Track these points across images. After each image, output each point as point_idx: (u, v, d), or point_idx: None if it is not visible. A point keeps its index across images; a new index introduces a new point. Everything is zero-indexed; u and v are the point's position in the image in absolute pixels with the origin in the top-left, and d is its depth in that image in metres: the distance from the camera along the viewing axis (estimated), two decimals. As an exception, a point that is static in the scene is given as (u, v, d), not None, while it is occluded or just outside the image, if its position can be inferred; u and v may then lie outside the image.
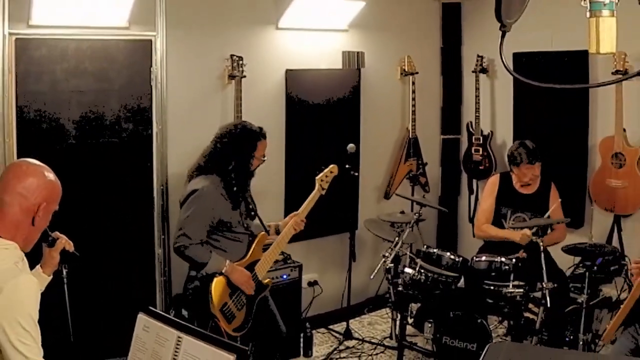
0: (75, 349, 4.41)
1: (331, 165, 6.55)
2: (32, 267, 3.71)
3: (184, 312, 6.15)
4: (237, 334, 6.01)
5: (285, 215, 6.96)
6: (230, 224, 6.08)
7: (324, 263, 9.03)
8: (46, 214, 3.58)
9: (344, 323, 8.50)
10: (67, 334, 4.27)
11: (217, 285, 5.87)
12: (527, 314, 6.80)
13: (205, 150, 6.27)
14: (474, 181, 9.69)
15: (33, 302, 3.29)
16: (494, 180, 7.93)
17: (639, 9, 2.45)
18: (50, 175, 3.60)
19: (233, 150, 6.06)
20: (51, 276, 4.02)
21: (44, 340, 3.34)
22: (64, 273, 4.11)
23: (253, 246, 6.27)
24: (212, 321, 5.85)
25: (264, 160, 6.34)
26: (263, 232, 6.38)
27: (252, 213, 6.94)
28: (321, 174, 6.48)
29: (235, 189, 6.08)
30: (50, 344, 3.37)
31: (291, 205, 6.93)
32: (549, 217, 7.22)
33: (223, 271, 5.90)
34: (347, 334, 8.35)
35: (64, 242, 4.01)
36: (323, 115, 8.78)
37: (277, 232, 6.55)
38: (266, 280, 6.41)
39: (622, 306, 5.24)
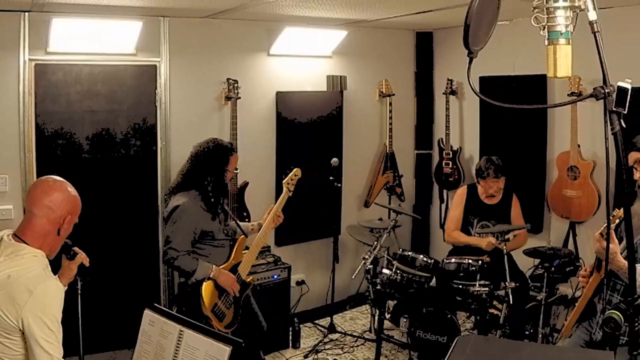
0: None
1: (295, 169, 6.52)
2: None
3: (184, 309, 6.17)
4: (228, 331, 5.99)
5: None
6: (212, 233, 6.06)
7: (311, 264, 9.05)
8: (69, 225, 3.66)
9: (328, 318, 8.51)
10: (77, 336, 4.33)
11: (206, 289, 5.87)
12: (492, 310, 6.83)
13: (183, 169, 6.23)
14: (444, 191, 9.70)
15: (58, 305, 3.37)
16: (462, 192, 7.97)
17: (592, 37, 2.51)
18: (73, 191, 3.68)
19: (208, 166, 6.04)
20: (66, 287, 4.00)
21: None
22: (79, 285, 4.17)
23: (234, 250, 6.25)
24: (204, 321, 5.78)
25: (236, 173, 6.44)
26: (242, 236, 6.34)
27: (246, 219, 7.02)
28: (287, 178, 6.46)
29: (212, 200, 6.07)
30: (65, 340, 3.42)
31: (282, 209, 6.94)
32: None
33: (211, 276, 5.90)
34: (331, 328, 8.35)
35: (83, 257, 4.08)
36: (310, 133, 8.81)
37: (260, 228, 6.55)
38: (249, 279, 6.41)
39: (577, 304, 5.30)
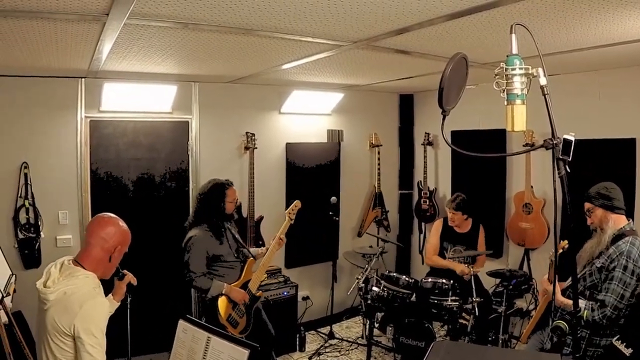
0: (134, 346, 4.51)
1: (296, 201, 6.58)
2: (106, 294, 3.77)
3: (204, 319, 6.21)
4: (242, 336, 6.09)
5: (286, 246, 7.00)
6: (222, 256, 6.18)
7: (314, 283, 8.98)
8: (119, 254, 3.72)
9: (328, 327, 8.44)
10: (126, 342, 4.37)
11: (221, 303, 6.03)
12: (461, 320, 6.78)
13: (194, 208, 6.42)
14: (423, 224, 9.63)
15: (103, 318, 3.42)
16: (438, 223, 7.95)
17: (543, 99, 2.53)
18: (124, 225, 3.76)
19: (210, 202, 6.20)
20: (119, 303, 4.15)
21: (113, 343, 3.44)
22: (128, 300, 4.23)
23: (244, 270, 6.35)
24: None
25: (238, 203, 6.49)
26: (251, 258, 6.45)
27: (262, 246, 7.01)
28: (288, 209, 6.53)
29: (219, 229, 6.21)
30: (116, 345, 3.43)
31: (290, 238, 6.92)
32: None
33: (223, 292, 6.03)
34: (331, 335, 8.28)
35: (130, 277, 4.19)
36: (313, 176, 8.80)
37: None
38: (258, 293, 6.43)
39: (533, 316, 5.28)
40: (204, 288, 6.01)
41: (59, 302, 3.33)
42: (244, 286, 6.28)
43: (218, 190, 6.22)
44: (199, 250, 6.03)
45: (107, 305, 3.50)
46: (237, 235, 6.47)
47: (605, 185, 4.76)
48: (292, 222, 6.51)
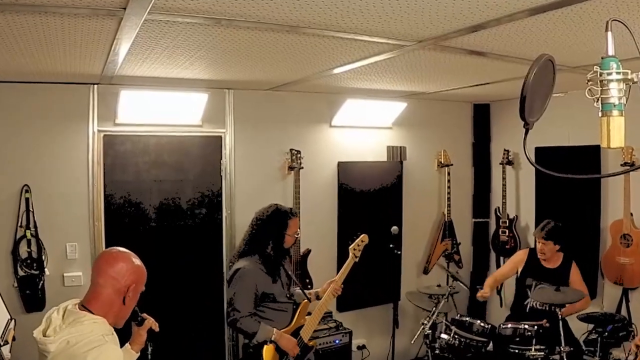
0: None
1: (362, 235, 6.51)
2: (122, 343, 3.73)
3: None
4: None
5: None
6: (273, 296, 6.08)
7: (371, 329, 8.92)
8: (135, 294, 3.63)
9: (389, 382, 8.38)
10: None
11: (267, 352, 5.89)
12: (548, 375, 6.73)
13: (245, 235, 6.35)
14: (501, 258, 9.55)
15: None
16: (522, 253, 7.91)
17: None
18: (137, 261, 3.66)
19: (268, 230, 6.11)
20: (139, 353, 4.06)
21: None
22: (149, 350, 4.16)
23: (297, 314, 6.27)
24: None
25: (297, 237, 6.39)
26: (305, 300, 6.35)
27: (309, 286, 6.97)
28: (353, 244, 6.45)
29: (273, 264, 6.12)
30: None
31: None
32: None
33: (272, 339, 5.91)
34: (391, 392, 8.22)
35: (151, 322, 4.08)
36: (370, 202, 8.78)
37: (318, 298, 6.51)
38: (311, 343, 6.35)
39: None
40: (250, 332, 5.91)
41: (62, 353, 3.26)
42: (295, 333, 6.20)
43: (280, 218, 6.17)
44: (246, 286, 5.96)
45: (119, 355, 3.45)
46: (290, 272, 6.42)
47: None
48: (357, 259, 6.46)
